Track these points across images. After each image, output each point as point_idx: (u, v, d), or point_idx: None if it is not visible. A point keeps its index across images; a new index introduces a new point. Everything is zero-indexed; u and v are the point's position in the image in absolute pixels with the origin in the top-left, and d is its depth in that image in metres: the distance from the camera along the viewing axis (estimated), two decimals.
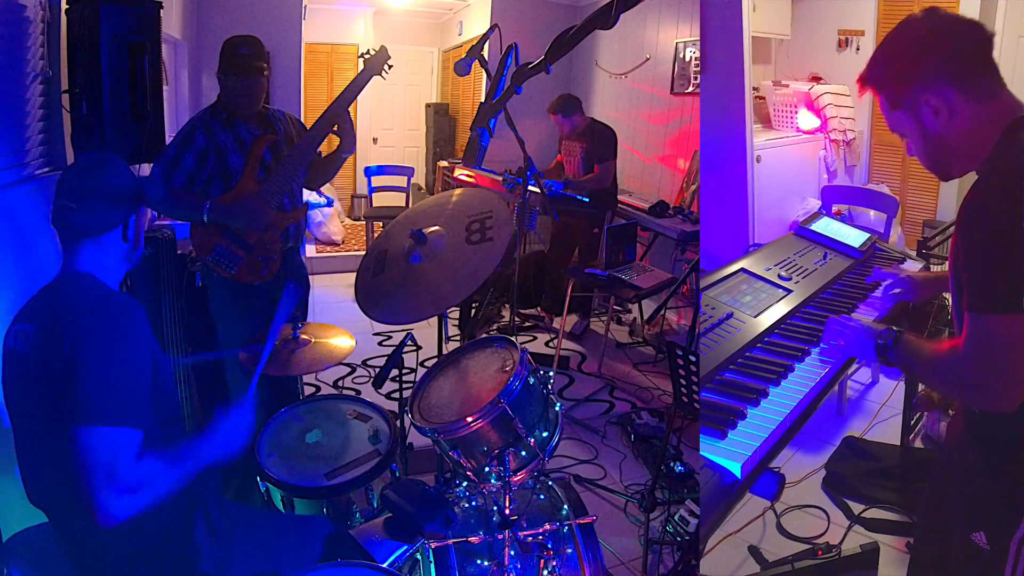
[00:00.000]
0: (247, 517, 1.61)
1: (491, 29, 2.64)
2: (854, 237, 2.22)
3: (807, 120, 3.24)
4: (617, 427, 3.38)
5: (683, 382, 2.20)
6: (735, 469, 1.19)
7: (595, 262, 4.15)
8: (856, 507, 2.28)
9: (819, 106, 3.30)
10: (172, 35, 4.06)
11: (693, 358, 2.13)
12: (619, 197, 4.66)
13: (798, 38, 3.13)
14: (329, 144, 2.47)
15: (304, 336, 2.10)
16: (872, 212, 3.14)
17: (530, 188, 2.79)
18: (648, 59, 5.09)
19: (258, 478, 1.85)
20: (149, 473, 1.22)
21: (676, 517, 2.40)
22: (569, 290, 3.95)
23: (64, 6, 2.28)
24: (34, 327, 1.28)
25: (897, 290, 1.78)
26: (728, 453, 1.22)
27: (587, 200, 4.20)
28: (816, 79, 3.36)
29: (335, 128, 2.41)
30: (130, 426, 1.21)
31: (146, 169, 2.80)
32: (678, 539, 2.34)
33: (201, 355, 2.84)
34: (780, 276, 1.85)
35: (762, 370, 1.46)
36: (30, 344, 1.27)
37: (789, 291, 1.80)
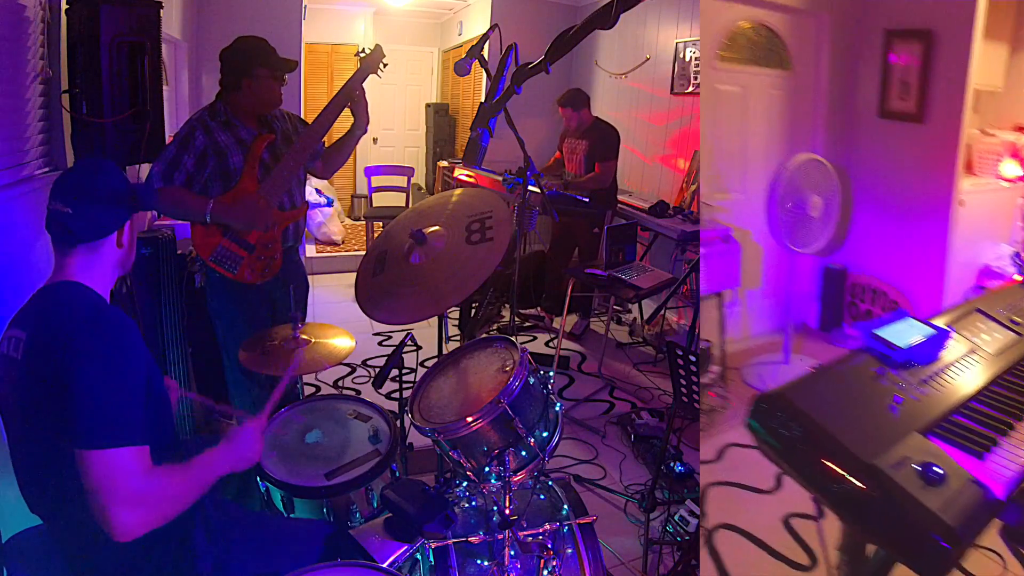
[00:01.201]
0: (245, 517, 1.61)
1: (491, 29, 2.64)
2: None
3: (1011, 169, 3.39)
4: (617, 427, 3.38)
5: (683, 382, 2.20)
6: (997, 491, 1.29)
7: (595, 262, 4.15)
8: None
9: None
10: (172, 35, 4.05)
11: (693, 358, 2.13)
12: (619, 197, 4.67)
13: (1007, 89, 3.33)
14: (329, 138, 2.47)
15: (304, 336, 2.10)
16: None
17: (530, 188, 2.79)
18: (648, 59, 5.09)
19: (258, 478, 1.85)
20: (162, 485, 1.23)
21: (676, 517, 2.40)
22: (569, 290, 3.95)
23: (64, 6, 2.28)
24: (26, 334, 1.28)
25: None
26: (988, 473, 1.34)
27: (587, 200, 4.21)
28: (1021, 129, 3.51)
29: (348, 107, 2.40)
30: (133, 444, 1.21)
31: (145, 169, 2.80)
32: (678, 539, 2.34)
33: (201, 355, 2.84)
34: (1012, 320, 1.98)
35: (1007, 404, 1.59)
36: (22, 351, 1.27)
37: (1021, 335, 1.93)
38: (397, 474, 2.00)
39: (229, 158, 2.30)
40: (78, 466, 1.17)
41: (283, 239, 2.42)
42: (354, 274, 2.14)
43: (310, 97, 6.57)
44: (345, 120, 2.42)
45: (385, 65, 2.45)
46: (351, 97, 2.39)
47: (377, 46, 2.44)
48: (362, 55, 2.42)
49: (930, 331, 1.70)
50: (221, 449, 1.39)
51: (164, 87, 2.83)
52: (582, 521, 1.73)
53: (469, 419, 1.58)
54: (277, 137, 2.40)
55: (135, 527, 1.18)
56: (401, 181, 6.52)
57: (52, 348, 1.22)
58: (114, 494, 1.16)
